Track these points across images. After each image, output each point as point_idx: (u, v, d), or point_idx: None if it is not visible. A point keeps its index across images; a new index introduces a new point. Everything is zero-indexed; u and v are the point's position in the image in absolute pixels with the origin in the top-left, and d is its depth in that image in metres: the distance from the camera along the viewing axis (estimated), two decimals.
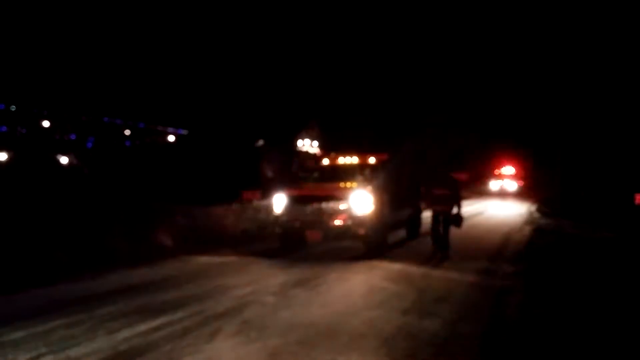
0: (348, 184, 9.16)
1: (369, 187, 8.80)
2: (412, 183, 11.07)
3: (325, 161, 11.04)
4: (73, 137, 52.57)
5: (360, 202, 8.30)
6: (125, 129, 59.88)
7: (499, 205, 23.05)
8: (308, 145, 25.60)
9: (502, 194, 31.59)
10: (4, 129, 47.68)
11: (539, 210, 19.18)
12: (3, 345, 4.14)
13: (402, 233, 10.68)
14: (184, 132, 54.24)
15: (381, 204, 8.66)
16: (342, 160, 10.52)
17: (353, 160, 10.33)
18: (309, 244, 9.34)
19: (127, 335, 4.34)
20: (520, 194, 31.71)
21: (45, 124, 53.99)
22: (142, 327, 4.56)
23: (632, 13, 20.52)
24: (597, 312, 5.13)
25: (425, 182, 9.66)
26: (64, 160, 37.01)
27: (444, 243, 8.68)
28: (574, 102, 22.68)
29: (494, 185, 33.03)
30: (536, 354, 3.99)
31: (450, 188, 8.76)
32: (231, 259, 8.41)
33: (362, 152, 10.68)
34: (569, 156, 23.53)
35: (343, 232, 8.27)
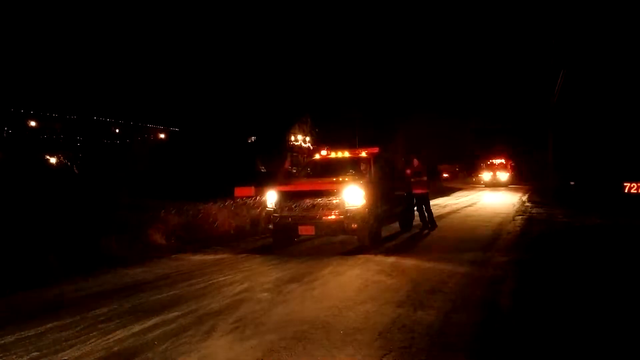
0: (340, 179, 9.13)
1: (361, 181, 8.80)
2: (403, 176, 11.14)
3: (317, 156, 11.03)
4: (61, 136, 52.11)
5: (352, 196, 8.29)
6: (115, 128, 59.47)
7: (491, 195, 23.17)
8: (300, 140, 25.56)
9: (494, 185, 31.83)
10: None
11: (530, 199, 19.31)
12: None
13: (395, 226, 10.73)
14: (176, 129, 53.97)
15: (373, 197, 8.65)
16: (334, 154, 10.50)
17: (345, 154, 10.31)
18: (302, 240, 9.34)
19: (121, 336, 4.30)
20: (512, 184, 31.97)
21: (32, 123, 53.43)
22: (136, 327, 4.52)
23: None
24: (589, 299, 5.17)
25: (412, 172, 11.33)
26: (52, 160, 36.62)
27: (429, 217, 11.02)
28: (562, 93, 22.83)
29: (486, 176, 33.28)
30: (530, 341, 4.02)
31: (424, 174, 11.19)
32: (225, 256, 8.38)
33: (354, 146, 10.70)
34: (558, 146, 23.70)
35: (336, 226, 8.26)
